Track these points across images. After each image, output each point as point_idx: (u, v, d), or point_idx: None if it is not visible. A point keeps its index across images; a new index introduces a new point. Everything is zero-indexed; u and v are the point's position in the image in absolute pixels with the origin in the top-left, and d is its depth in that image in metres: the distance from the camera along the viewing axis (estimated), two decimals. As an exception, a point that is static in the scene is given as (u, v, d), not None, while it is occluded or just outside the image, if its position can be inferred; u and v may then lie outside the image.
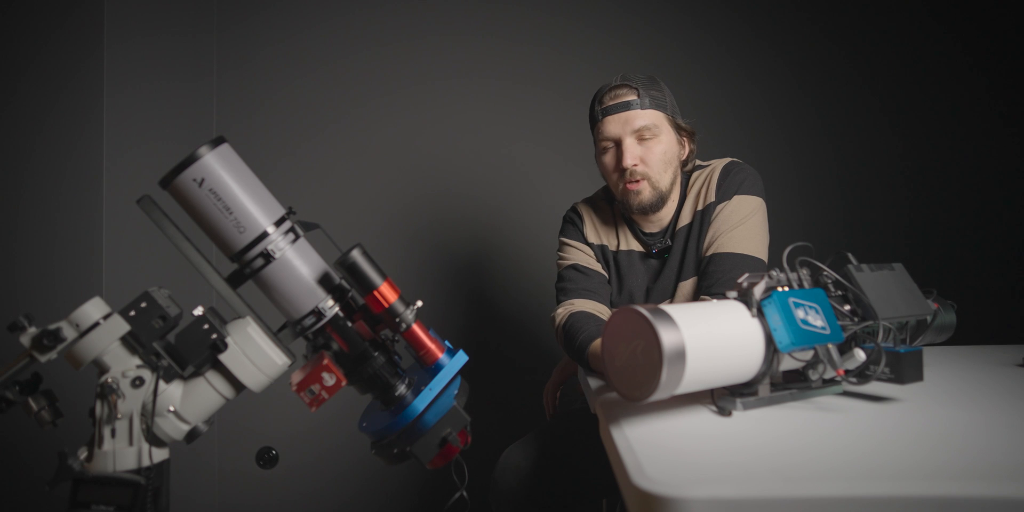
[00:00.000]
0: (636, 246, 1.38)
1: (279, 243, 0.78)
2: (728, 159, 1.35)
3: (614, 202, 1.43)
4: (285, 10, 2.21)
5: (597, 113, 1.31)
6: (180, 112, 2.03)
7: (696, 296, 1.29)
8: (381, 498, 2.16)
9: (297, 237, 0.80)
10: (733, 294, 0.79)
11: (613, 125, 1.28)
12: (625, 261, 1.38)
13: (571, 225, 1.45)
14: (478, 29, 2.25)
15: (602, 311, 1.31)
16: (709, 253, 1.27)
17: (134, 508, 0.70)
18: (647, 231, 1.38)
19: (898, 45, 2.29)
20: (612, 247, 1.40)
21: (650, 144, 1.28)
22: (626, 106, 1.27)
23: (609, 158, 1.31)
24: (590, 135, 1.37)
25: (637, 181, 1.28)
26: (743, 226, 1.26)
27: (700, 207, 1.31)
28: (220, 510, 2.12)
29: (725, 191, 1.29)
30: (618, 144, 1.29)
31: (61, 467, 0.69)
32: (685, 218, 1.33)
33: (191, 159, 0.74)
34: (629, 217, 1.39)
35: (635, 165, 1.27)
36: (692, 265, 1.31)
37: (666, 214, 1.35)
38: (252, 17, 2.20)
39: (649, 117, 1.27)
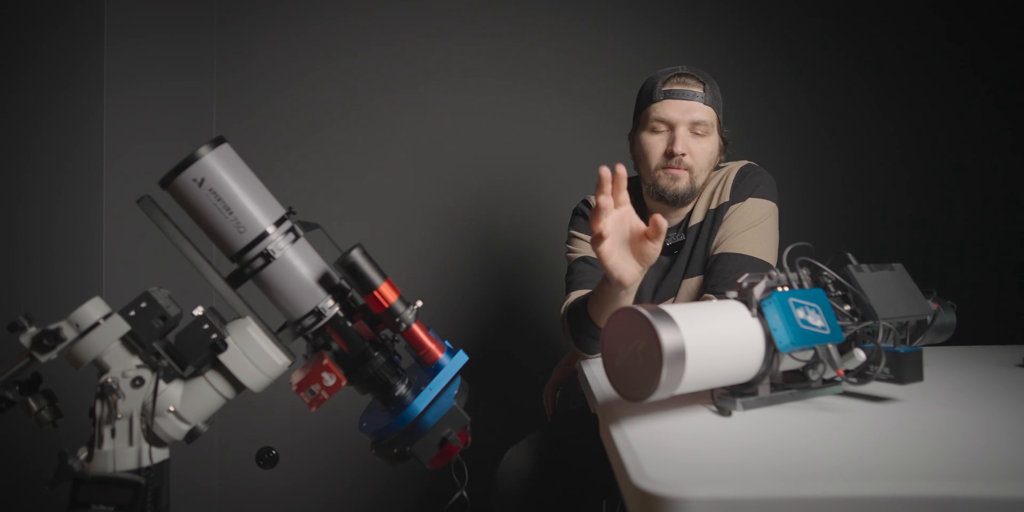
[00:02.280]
0: None
1: (279, 243, 0.78)
2: (744, 161, 1.35)
3: (629, 197, 1.42)
4: (285, 10, 2.21)
5: (658, 93, 1.28)
6: (180, 112, 2.03)
7: (700, 295, 1.29)
8: (381, 498, 2.16)
9: (297, 237, 0.80)
10: (733, 294, 0.79)
11: (673, 109, 1.27)
12: None
13: (582, 218, 1.44)
14: (479, 28, 2.25)
15: None
16: (717, 252, 1.27)
17: (134, 508, 0.70)
18: None
19: (898, 44, 2.28)
20: None
21: (701, 140, 1.28)
22: (692, 95, 1.26)
23: (658, 140, 1.29)
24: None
25: (681, 169, 1.27)
26: (754, 229, 1.25)
27: (713, 206, 1.31)
28: (220, 510, 2.12)
29: (740, 192, 1.29)
30: (671, 128, 1.27)
31: (61, 467, 0.69)
32: (697, 216, 1.33)
33: (191, 159, 0.74)
34: (642, 212, 1.39)
35: (684, 155, 1.26)
36: (699, 263, 1.31)
37: (682, 211, 1.35)
38: (252, 17, 2.20)
39: (707, 114, 1.27)
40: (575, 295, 1.31)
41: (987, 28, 2.28)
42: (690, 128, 1.27)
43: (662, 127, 1.28)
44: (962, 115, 2.28)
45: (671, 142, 1.27)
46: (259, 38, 2.20)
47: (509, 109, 2.25)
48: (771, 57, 2.28)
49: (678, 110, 1.26)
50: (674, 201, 1.30)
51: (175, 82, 2.01)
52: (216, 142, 0.76)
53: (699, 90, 1.27)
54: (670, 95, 1.27)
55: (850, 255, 0.89)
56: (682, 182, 1.28)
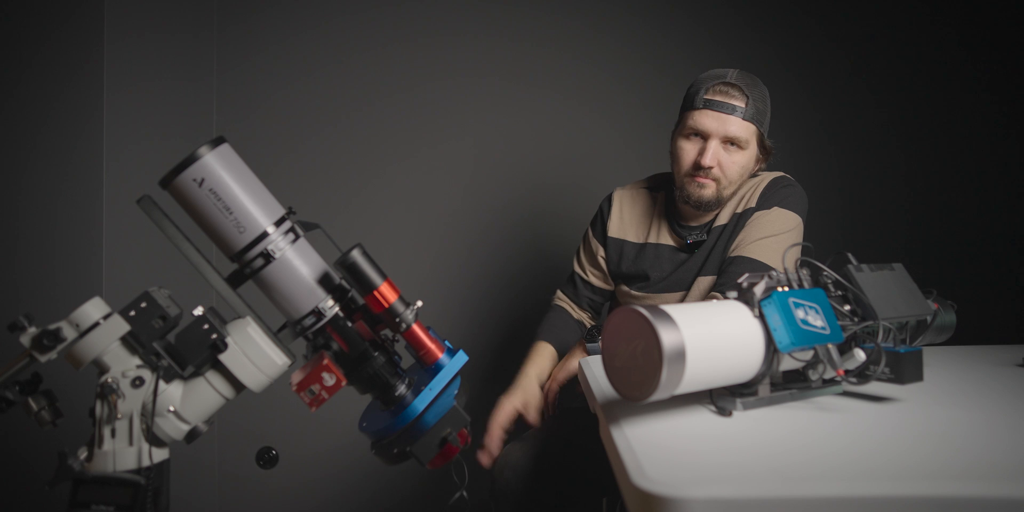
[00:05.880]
0: (667, 240, 1.39)
1: (279, 243, 0.78)
2: (780, 173, 1.36)
3: (658, 191, 1.43)
4: (285, 10, 2.21)
5: (699, 100, 1.26)
6: (180, 112, 2.03)
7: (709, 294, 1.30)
8: (381, 498, 2.16)
9: (297, 237, 0.80)
10: (733, 294, 0.79)
11: (709, 120, 1.24)
12: (652, 253, 1.39)
13: (597, 217, 1.48)
14: (481, 28, 2.25)
15: (572, 321, 1.54)
16: (732, 254, 1.27)
17: (134, 508, 0.70)
18: (685, 224, 1.37)
19: (897, 44, 2.28)
20: (638, 239, 1.41)
21: (734, 154, 1.26)
22: (731, 109, 1.23)
23: (690, 147, 1.28)
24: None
25: (709, 179, 1.27)
26: (775, 238, 1.25)
27: (739, 210, 1.32)
28: (220, 510, 2.12)
29: (767, 200, 1.29)
30: (705, 139, 1.26)
31: (61, 467, 0.69)
32: (723, 219, 1.34)
33: (191, 159, 0.74)
34: (670, 210, 1.39)
35: (711, 167, 1.25)
36: (716, 263, 1.32)
37: (708, 214, 1.36)
38: (252, 17, 2.20)
39: (745, 130, 1.24)
40: (561, 302, 1.56)
41: (988, 28, 2.27)
42: (724, 141, 1.25)
43: (697, 136, 1.27)
44: (962, 115, 2.27)
45: (702, 152, 1.25)
46: (259, 38, 2.20)
47: (509, 109, 2.25)
48: (770, 56, 2.28)
49: (714, 122, 1.23)
50: (698, 207, 1.31)
51: (175, 82, 2.01)
52: (216, 142, 0.76)
53: (741, 104, 1.23)
54: (709, 105, 1.24)
55: (850, 255, 0.89)
56: (708, 191, 1.27)
